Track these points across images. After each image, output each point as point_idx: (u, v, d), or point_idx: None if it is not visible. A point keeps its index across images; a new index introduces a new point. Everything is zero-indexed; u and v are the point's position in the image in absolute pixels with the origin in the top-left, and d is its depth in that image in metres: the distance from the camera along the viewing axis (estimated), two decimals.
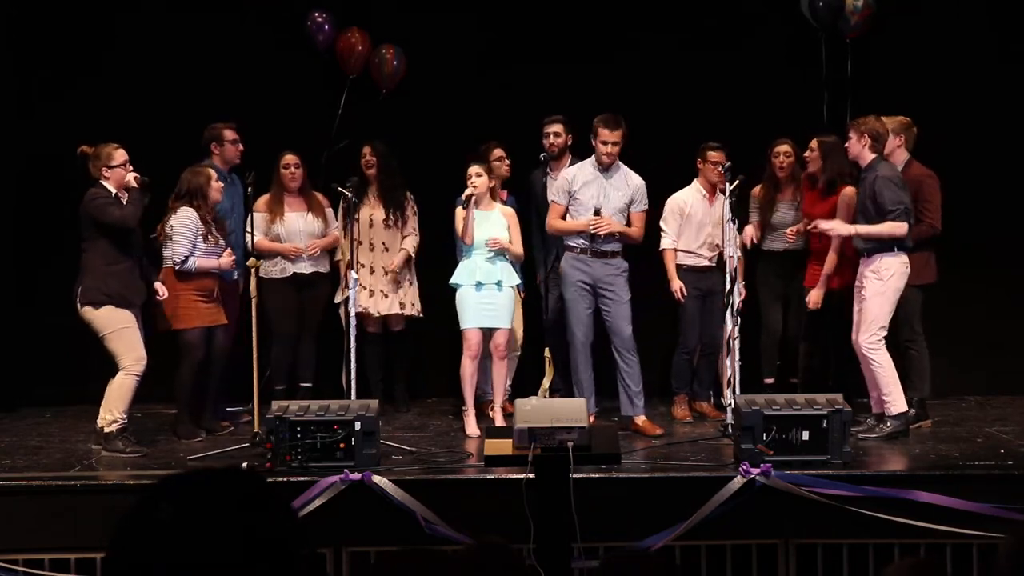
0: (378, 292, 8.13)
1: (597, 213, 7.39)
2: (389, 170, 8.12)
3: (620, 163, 7.52)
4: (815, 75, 8.64)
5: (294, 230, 7.98)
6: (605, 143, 7.39)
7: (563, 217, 7.55)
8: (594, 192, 7.46)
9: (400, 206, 8.12)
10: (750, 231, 7.92)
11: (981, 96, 8.66)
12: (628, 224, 7.52)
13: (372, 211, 8.12)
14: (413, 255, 8.15)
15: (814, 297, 7.57)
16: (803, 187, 7.89)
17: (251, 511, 1.66)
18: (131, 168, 6.90)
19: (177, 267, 7.17)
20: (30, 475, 6.28)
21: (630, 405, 7.44)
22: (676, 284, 7.78)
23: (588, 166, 7.53)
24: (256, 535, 1.63)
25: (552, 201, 7.59)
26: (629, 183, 7.51)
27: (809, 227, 7.39)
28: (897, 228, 6.86)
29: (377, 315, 8.11)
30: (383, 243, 8.14)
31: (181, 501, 1.65)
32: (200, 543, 1.60)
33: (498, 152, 8.15)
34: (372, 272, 8.11)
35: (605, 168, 7.47)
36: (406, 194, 8.17)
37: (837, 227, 7.08)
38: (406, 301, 8.16)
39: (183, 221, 7.18)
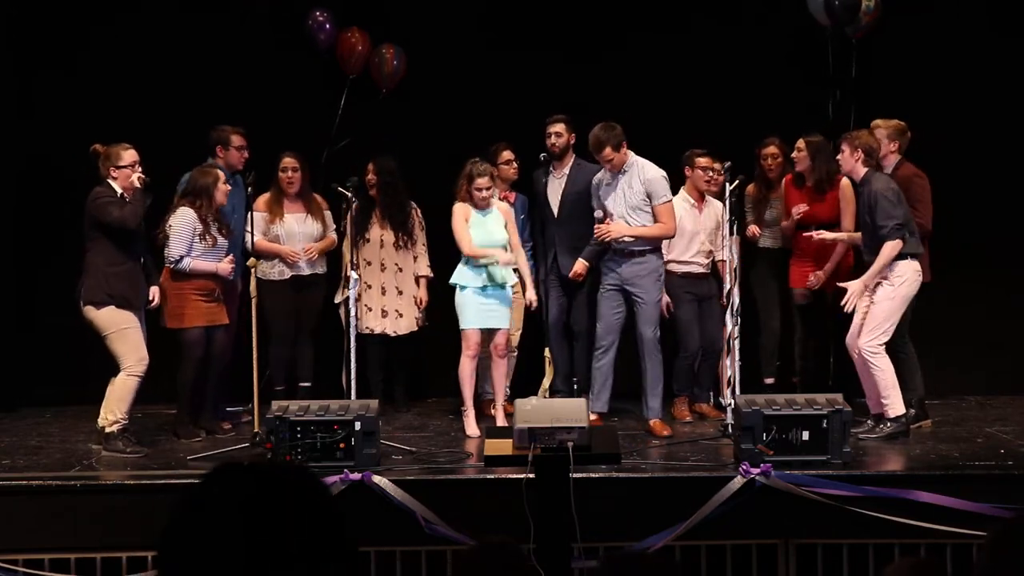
0: (392, 312, 8.11)
1: (602, 220, 7.40)
2: (392, 189, 8.06)
3: (636, 158, 7.46)
4: (813, 74, 8.63)
5: (293, 232, 7.97)
6: (599, 161, 7.42)
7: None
8: (611, 194, 7.47)
9: (405, 225, 8.09)
10: (752, 228, 7.97)
11: (981, 97, 8.65)
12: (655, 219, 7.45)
13: (381, 232, 8.09)
14: (431, 275, 8.14)
15: (814, 279, 7.57)
16: (787, 187, 7.88)
17: (307, 505, 1.65)
18: (139, 169, 6.89)
19: (171, 266, 7.18)
20: (30, 475, 6.28)
21: (644, 407, 7.45)
22: (664, 299, 7.76)
23: (607, 169, 7.54)
24: (313, 529, 1.63)
25: (595, 208, 7.62)
26: (642, 178, 7.42)
27: (816, 236, 7.37)
28: (893, 249, 6.87)
29: (394, 335, 8.11)
30: (396, 264, 8.12)
31: (236, 496, 1.64)
32: (257, 538, 1.59)
33: (507, 155, 8.14)
34: (384, 292, 8.11)
35: (617, 171, 7.47)
36: (410, 209, 8.15)
37: (853, 289, 6.94)
38: (419, 316, 8.17)
39: (180, 221, 7.17)
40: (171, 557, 1.62)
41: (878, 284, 6.97)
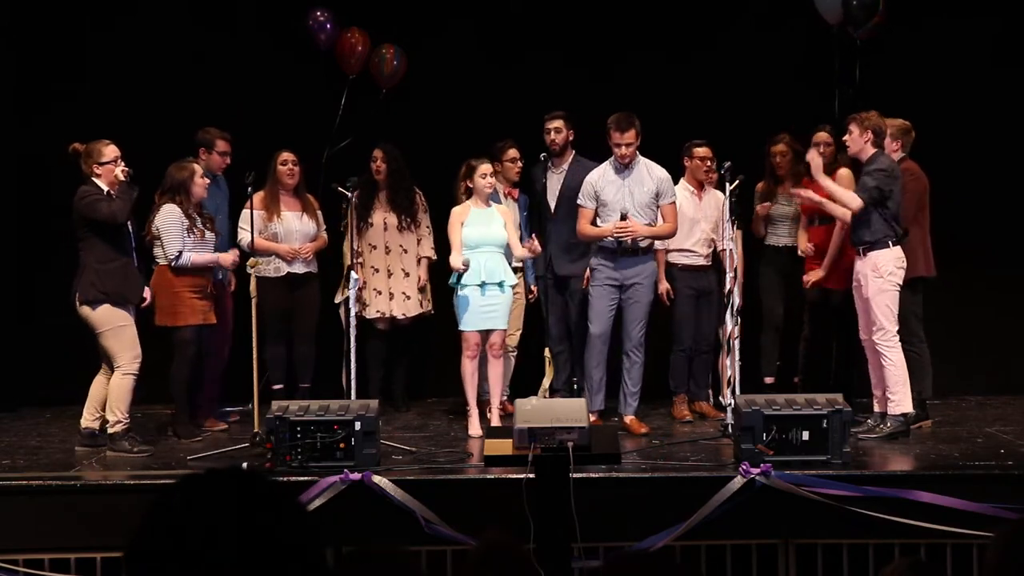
0: (399, 295, 8.13)
1: (624, 218, 7.37)
2: (399, 174, 8.11)
3: (641, 157, 7.49)
4: (819, 75, 8.63)
5: (291, 229, 7.98)
6: (618, 145, 7.38)
7: (593, 221, 7.52)
8: (617, 191, 7.44)
9: (409, 209, 8.12)
10: (758, 217, 8.05)
11: (986, 98, 8.65)
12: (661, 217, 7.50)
13: (385, 215, 8.12)
14: (433, 255, 8.15)
15: (811, 277, 7.60)
16: (805, 186, 7.91)
17: (265, 512, 1.67)
18: (122, 163, 6.87)
19: (173, 263, 7.17)
20: (30, 475, 6.28)
21: (623, 403, 7.48)
22: (663, 286, 7.79)
23: (609, 166, 7.51)
24: (271, 536, 1.65)
25: (580, 206, 7.57)
26: (652, 176, 7.46)
27: (795, 193, 7.52)
28: (852, 199, 6.96)
29: (403, 316, 8.12)
30: (400, 246, 8.14)
31: (197, 502, 1.66)
32: (216, 544, 1.61)
33: (512, 152, 8.14)
34: (390, 275, 8.12)
35: (625, 167, 7.46)
36: (414, 194, 8.17)
37: (813, 187, 7.19)
38: (424, 298, 8.19)
39: (167, 218, 7.17)
40: (136, 563, 1.64)
41: (865, 277, 6.98)
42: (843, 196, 7.02)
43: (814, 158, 7.21)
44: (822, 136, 7.78)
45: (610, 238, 7.40)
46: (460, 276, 7.28)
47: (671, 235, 7.59)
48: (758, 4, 8.83)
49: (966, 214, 8.35)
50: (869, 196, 6.89)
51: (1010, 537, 2.52)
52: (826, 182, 7.13)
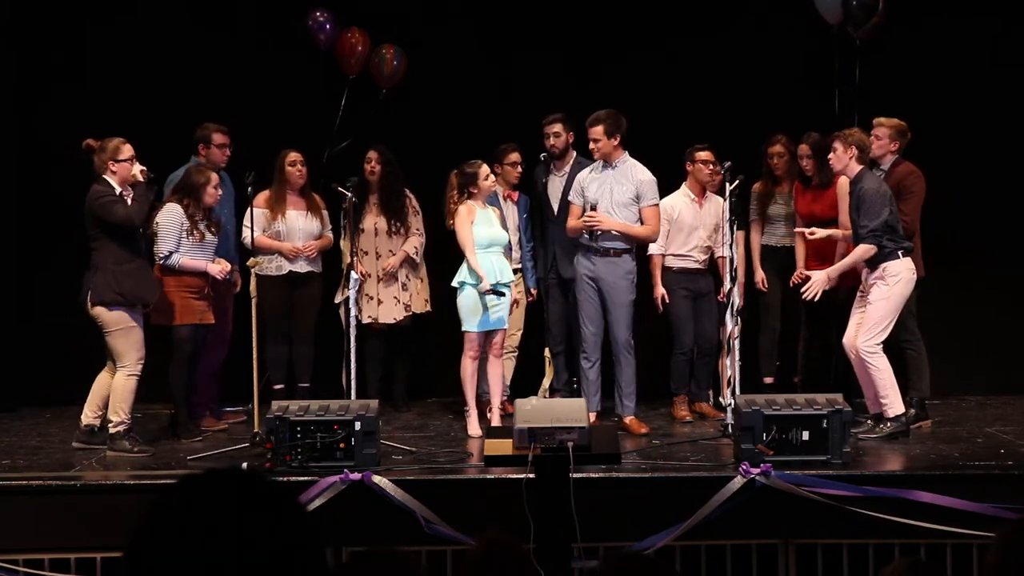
0: (389, 299, 8.13)
1: (593, 209, 7.36)
2: (392, 176, 8.12)
3: (629, 158, 7.48)
4: (818, 75, 8.64)
5: (295, 228, 7.98)
6: (588, 141, 7.40)
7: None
8: (598, 188, 7.44)
9: (400, 213, 8.12)
10: (760, 276, 8.06)
11: (986, 98, 8.65)
12: (641, 220, 7.46)
13: (375, 219, 8.13)
14: (414, 255, 8.14)
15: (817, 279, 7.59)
16: (796, 192, 7.92)
17: (265, 512, 1.67)
18: (138, 163, 6.87)
19: (160, 262, 7.17)
20: (30, 475, 6.28)
21: (620, 404, 7.47)
22: (659, 291, 7.80)
23: (598, 164, 7.53)
24: (271, 536, 1.65)
25: (570, 202, 7.61)
26: (633, 178, 7.44)
27: (807, 233, 7.46)
28: (865, 252, 6.89)
29: (394, 321, 8.13)
30: (389, 251, 8.15)
31: (197, 502, 1.67)
32: (216, 544, 1.62)
33: (515, 156, 8.14)
34: (379, 280, 8.13)
35: (605, 164, 7.46)
36: (404, 197, 8.17)
37: (817, 278, 7.06)
38: (416, 302, 8.18)
39: (167, 216, 7.17)
40: (136, 563, 1.65)
41: (873, 284, 6.97)
42: (855, 258, 6.93)
43: (816, 233, 7.31)
44: (804, 149, 7.80)
45: (584, 232, 7.40)
46: (473, 276, 7.24)
47: (648, 237, 7.54)
48: (758, 4, 8.83)
49: (965, 214, 8.35)
50: (874, 239, 6.84)
51: (1010, 537, 2.53)
52: (833, 272, 7.07)
